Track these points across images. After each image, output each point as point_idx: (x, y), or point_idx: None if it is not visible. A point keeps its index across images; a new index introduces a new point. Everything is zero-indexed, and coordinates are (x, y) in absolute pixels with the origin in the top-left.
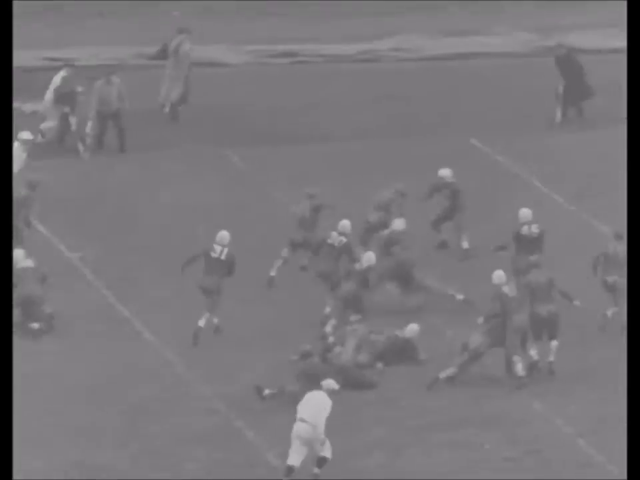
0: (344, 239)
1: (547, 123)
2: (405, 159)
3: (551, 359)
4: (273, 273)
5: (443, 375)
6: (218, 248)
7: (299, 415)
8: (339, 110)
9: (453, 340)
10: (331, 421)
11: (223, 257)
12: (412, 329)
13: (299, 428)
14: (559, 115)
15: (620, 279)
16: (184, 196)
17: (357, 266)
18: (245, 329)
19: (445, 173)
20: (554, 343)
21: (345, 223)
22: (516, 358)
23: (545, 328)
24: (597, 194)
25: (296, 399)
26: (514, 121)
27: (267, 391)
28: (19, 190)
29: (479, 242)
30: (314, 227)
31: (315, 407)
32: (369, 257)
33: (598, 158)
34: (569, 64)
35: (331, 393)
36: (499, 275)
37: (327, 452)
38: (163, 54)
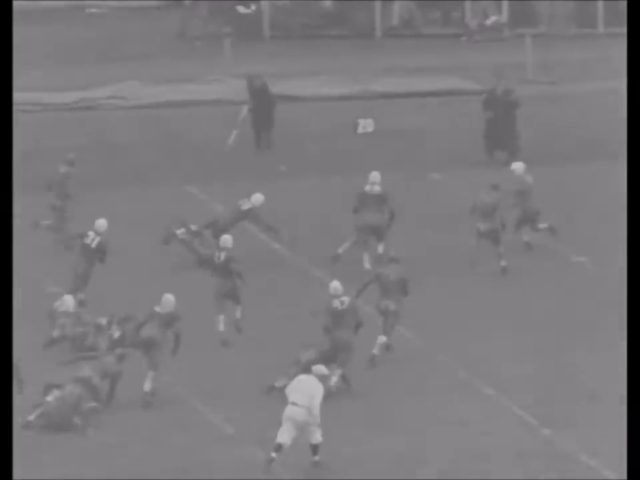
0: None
1: (264, 169)
2: (122, 208)
3: (374, 351)
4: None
5: (278, 384)
6: (91, 235)
7: (290, 399)
8: (58, 159)
9: None
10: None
11: (93, 245)
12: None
13: (292, 411)
14: (232, 138)
15: (492, 225)
16: None
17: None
18: None
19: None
20: (382, 338)
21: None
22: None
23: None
24: (314, 238)
25: None
26: (231, 168)
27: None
28: (57, 168)
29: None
30: None
31: (307, 391)
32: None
33: (316, 205)
34: (262, 93)
35: (322, 378)
36: (334, 287)
37: (317, 438)
38: None
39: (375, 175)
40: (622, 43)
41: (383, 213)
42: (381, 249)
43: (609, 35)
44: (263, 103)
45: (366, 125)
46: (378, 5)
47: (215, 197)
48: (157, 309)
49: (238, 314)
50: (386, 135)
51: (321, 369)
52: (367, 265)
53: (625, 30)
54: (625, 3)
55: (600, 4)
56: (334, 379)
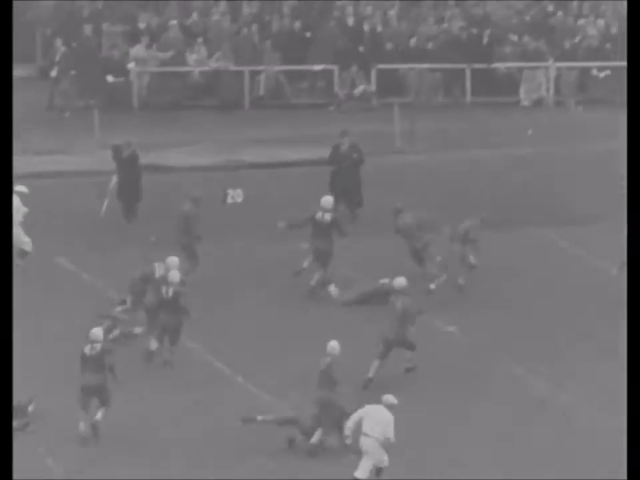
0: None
1: (135, 240)
2: None
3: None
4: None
5: (260, 417)
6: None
7: (363, 430)
8: None
9: None
10: None
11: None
12: None
13: (366, 443)
14: (104, 208)
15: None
16: None
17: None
18: None
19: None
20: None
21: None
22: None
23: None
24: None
25: None
26: (101, 239)
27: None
28: (182, 205)
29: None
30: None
31: (378, 421)
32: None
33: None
34: (130, 163)
35: (391, 407)
36: (331, 346)
37: (384, 461)
38: None
39: (328, 201)
40: (489, 113)
41: (332, 239)
42: (321, 274)
43: (477, 104)
44: (130, 172)
45: (235, 195)
46: (246, 75)
47: (84, 268)
48: (86, 350)
49: (168, 354)
50: (255, 205)
51: (389, 398)
52: (314, 282)
53: (492, 99)
54: (494, 74)
55: (468, 74)
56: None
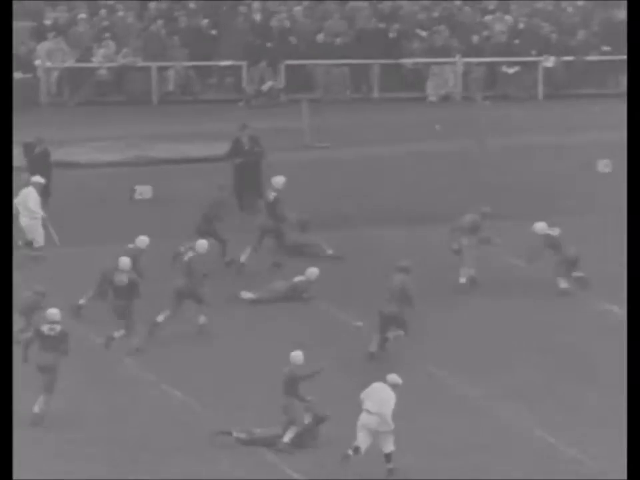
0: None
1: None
2: None
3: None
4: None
5: (235, 433)
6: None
7: (364, 407)
8: None
9: None
10: None
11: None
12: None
13: (365, 419)
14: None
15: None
16: None
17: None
18: None
19: None
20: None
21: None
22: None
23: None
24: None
25: None
26: None
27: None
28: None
29: None
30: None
31: (380, 399)
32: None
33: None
34: (41, 159)
35: (395, 386)
36: (294, 355)
37: (390, 447)
38: None
39: (277, 181)
40: (396, 108)
41: (277, 217)
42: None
43: (384, 99)
44: (41, 170)
45: (143, 192)
46: (154, 70)
47: None
48: (44, 329)
49: (117, 333)
50: (164, 202)
51: (394, 377)
52: (243, 259)
53: (399, 95)
54: (401, 69)
55: (375, 69)
56: (289, 435)
